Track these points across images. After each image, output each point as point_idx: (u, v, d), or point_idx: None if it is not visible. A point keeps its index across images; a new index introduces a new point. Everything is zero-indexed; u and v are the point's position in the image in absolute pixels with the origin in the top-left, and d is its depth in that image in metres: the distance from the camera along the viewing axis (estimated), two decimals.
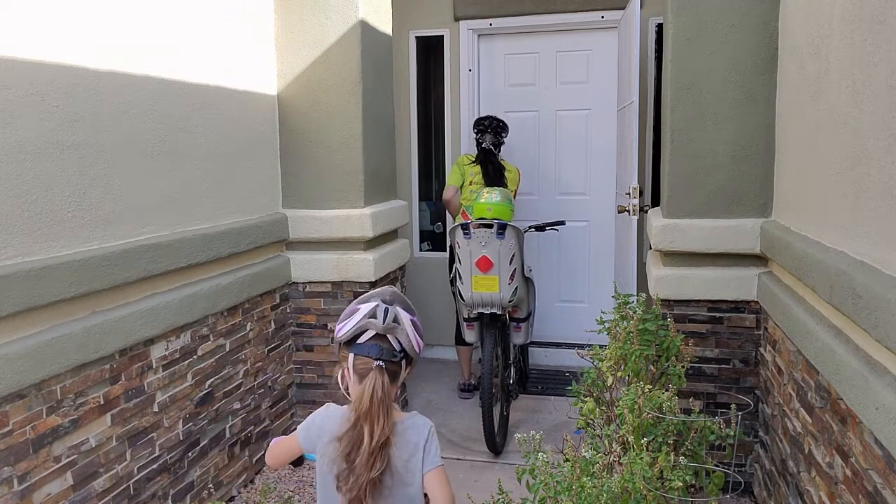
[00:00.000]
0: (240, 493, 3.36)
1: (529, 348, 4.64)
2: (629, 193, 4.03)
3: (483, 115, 4.74)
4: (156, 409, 2.76)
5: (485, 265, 3.64)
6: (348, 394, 1.74)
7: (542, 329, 5.14)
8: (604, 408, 2.55)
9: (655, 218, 3.40)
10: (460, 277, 3.75)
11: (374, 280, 3.76)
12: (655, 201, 4.42)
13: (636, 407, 2.10)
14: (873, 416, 1.70)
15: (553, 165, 5.23)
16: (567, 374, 3.17)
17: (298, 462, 1.96)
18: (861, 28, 1.93)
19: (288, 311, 3.82)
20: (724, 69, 3.12)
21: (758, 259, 3.16)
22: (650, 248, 3.57)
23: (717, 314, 3.22)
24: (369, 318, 1.68)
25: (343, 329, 1.70)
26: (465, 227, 3.68)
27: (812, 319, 2.30)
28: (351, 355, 1.69)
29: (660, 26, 4.62)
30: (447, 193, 4.50)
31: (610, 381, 2.48)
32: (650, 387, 2.28)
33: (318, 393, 3.88)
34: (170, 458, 2.84)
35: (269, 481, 3.39)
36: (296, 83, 3.77)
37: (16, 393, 2.10)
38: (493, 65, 5.25)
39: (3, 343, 2.08)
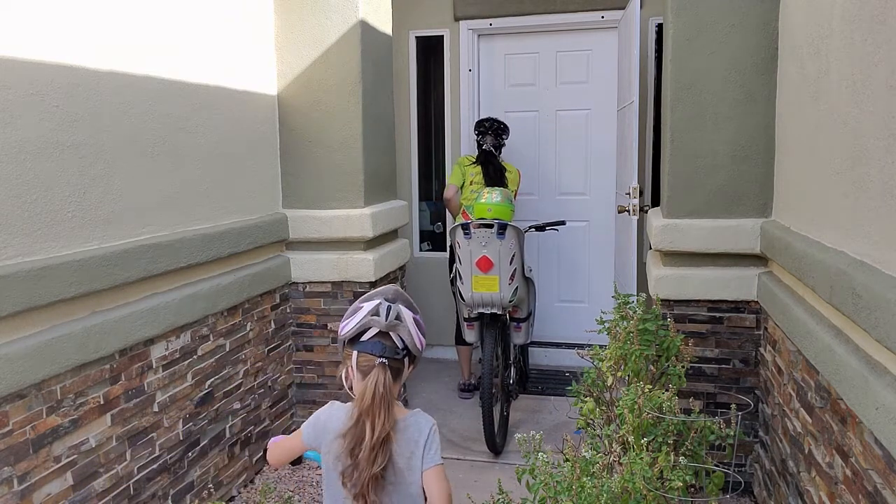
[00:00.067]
0: (240, 493, 3.36)
1: (529, 348, 4.64)
2: (629, 193, 4.03)
3: (484, 116, 4.74)
4: (156, 409, 2.76)
5: (485, 265, 3.64)
6: (352, 392, 1.76)
7: (542, 329, 5.14)
8: (604, 408, 2.55)
9: (655, 218, 3.40)
10: (460, 277, 3.75)
11: (374, 280, 3.76)
12: (655, 201, 4.42)
13: (636, 407, 2.10)
14: (873, 416, 1.70)
15: (553, 165, 5.23)
16: (567, 374, 3.17)
17: (297, 461, 1.96)
18: (861, 28, 1.93)
19: (288, 311, 3.82)
20: (724, 69, 3.12)
21: (758, 259, 3.16)
22: (650, 248, 3.57)
23: (717, 314, 3.22)
24: (372, 315, 1.70)
25: (346, 327, 1.73)
26: (465, 227, 3.68)
27: (812, 319, 2.30)
28: (354, 353, 1.72)
29: (660, 26, 4.62)
30: (448, 192, 4.51)
31: (610, 381, 2.48)
32: (650, 387, 2.28)
33: (318, 393, 3.88)
34: (170, 458, 2.84)
35: (269, 481, 3.39)
36: (296, 83, 3.77)
37: (16, 393, 2.10)
38: (493, 65, 5.25)
39: (3, 343, 2.08)
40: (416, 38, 5.20)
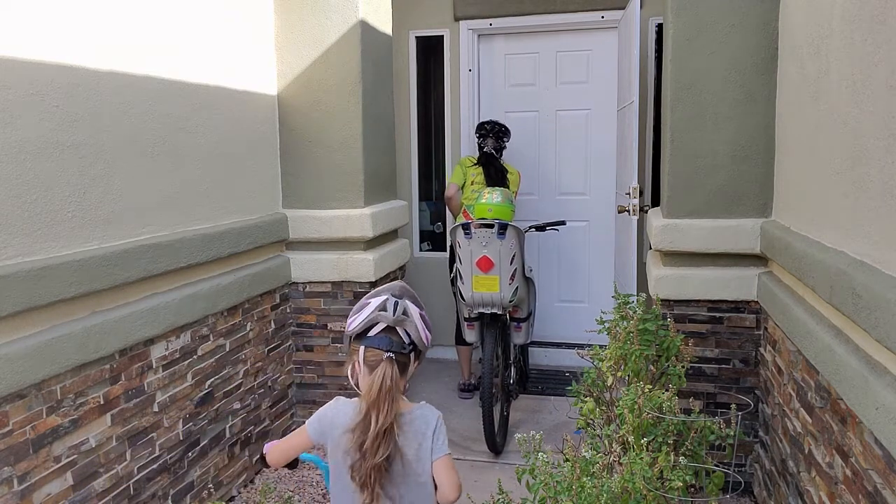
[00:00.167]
0: (240, 493, 3.36)
1: (529, 348, 4.64)
2: (629, 193, 4.03)
3: (485, 119, 4.74)
4: (156, 409, 2.76)
5: (485, 265, 3.64)
6: (358, 387, 1.80)
7: (542, 329, 5.14)
8: (604, 408, 2.55)
9: (655, 218, 3.40)
10: (461, 277, 3.75)
11: (374, 280, 3.76)
12: (655, 201, 4.42)
13: (636, 407, 2.10)
14: (873, 416, 1.70)
15: (553, 165, 5.23)
16: (567, 374, 3.17)
17: (293, 464, 1.97)
18: (861, 28, 1.93)
19: (288, 311, 3.82)
20: (724, 69, 3.12)
21: (758, 259, 3.16)
22: (650, 248, 3.57)
23: (717, 314, 3.22)
24: (380, 311, 1.75)
25: (354, 322, 1.77)
26: (465, 227, 3.68)
27: (812, 319, 2.30)
28: (361, 348, 1.76)
29: (660, 26, 4.62)
30: (449, 191, 4.52)
31: (610, 381, 2.48)
32: (650, 387, 2.28)
33: (318, 393, 3.88)
34: (170, 458, 2.84)
35: (269, 481, 3.39)
36: (296, 83, 3.77)
37: (16, 393, 2.10)
38: (493, 65, 5.25)
39: (3, 343, 2.08)
40: (416, 38, 5.20)
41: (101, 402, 2.47)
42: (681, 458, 2.03)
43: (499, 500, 2.05)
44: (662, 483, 1.90)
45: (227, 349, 3.25)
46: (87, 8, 2.44)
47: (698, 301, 3.22)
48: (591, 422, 2.50)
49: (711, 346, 3.23)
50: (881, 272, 1.76)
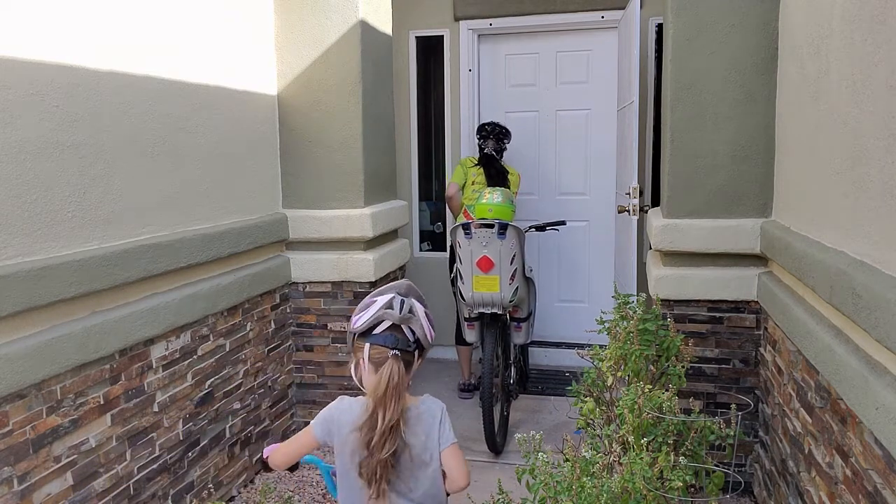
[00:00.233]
0: (240, 493, 3.36)
1: (529, 348, 4.64)
2: (629, 193, 4.03)
3: (486, 120, 4.74)
4: (156, 409, 2.76)
5: (486, 265, 3.64)
6: (361, 384, 1.82)
7: (543, 329, 5.14)
8: (604, 408, 2.55)
9: (655, 218, 3.40)
10: (461, 277, 3.75)
11: (373, 280, 3.76)
12: (655, 201, 4.42)
13: (636, 407, 2.09)
14: (873, 416, 1.70)
15: (553, 165, 5.23)
16: (567, 374, 3.17)
17: (294, 467, 1.97)
18: (861, 28, 1.93)
19: (288, 311, 3.82)
20: (724, 69, 3.12)
21: (758, 259, 3.16)
22: (650, 248, 3.57)
23: (717, 314, 3.22)
24: (386, 309, 1.77)
25: (360, 320, 1.78)
26: (466, 227, 3.68)
27: (812, 319, 2.30)
28: (367, 345, 1.77)
29: (660, 26, 4.62)
30: (450, 190, 4.52)
31: (610, 381, 2.48)
32: (650, 387, 2.28)
33: (318, 393, 3.88)
34: (170, 458, 2.84)
35: (269, 481, 3.39)
36: (296, 83, 3.77)
37: (16, 393, 2.10)
38: (494, 65, 5.25)
39: (3, 343, 2.08)
40: (416, 38, 5.20)
41: (101, 402, 2.47)
42: (681, 458, 2.02)
43: (499, 500, 2.05)
44: (662, 483, 1.90)
45: (227, 349, 3.25)
46: (87, 8, 2.44)
47: (698, 301, 3.22)
48: (591, 422, 2.50)
49: (711, 346, 3.23)
50: (881, 272, 1.76)
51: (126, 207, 2.64)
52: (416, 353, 1.82)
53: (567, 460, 1.94)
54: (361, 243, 3.81)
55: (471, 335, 3.93)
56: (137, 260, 2.61)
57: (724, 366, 3.22)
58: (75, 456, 2.35)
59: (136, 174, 2.70)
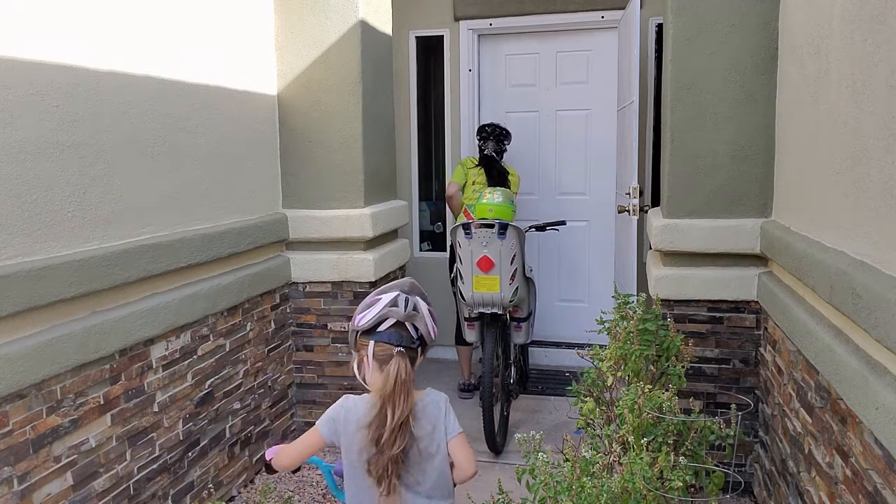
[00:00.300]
0: (240, 493, 3.36)
1: (529, 348, 4.64)
2: (629, 193, 4.03)
3: (486, 122, 4.75)
4: (156, 409, 2.76)
5: (486, 265, 3.64)
6: (365, 383, 1.85)
7: (543, 329, 5.14)
8: (604, 408, 2.55)
9: (655, 218, 3.40)
10: (461, 277, 3.75)
11: (374, 280, 3.76)
12: (655, 201, 4.42)
13: (636, 407, 2.09)
14: (873, 416, 1.70)
15: (553, 165, 5.23)
16: (567, 374, 3.17)
17: (296, 468, 1.97)
18: (861, 28, 1.93)
19: (288, 311, 3.82)
20: (724, 69, 3.12)
21: (758, 259, 3.16)
22: (650, 248, 3.57)
23: (717, 314, 3.22)
24: (391, 306, 1.79)
25: (365, 318, 1.80)
26: (466, 226, 3.68)
27: (812, 319, 2.30)
28: (371, 343, 1.80)
29: (660, 26, 4.62)
30: (450, 190, 4.53)
31: (610, 381, 2.48)
32: (650, 387, 2.28)
33: (318, 393, 3.88)
34: (170, 458, 2.84)
35: (269, 481, 3.39)
36: (296, 83, 3.77)
37: (16, 393, 2.10)
38: (494, 65, 5.25)
39: (3, 343, 2.08)
40: (416, 38, 5.20)
41: (101, 402, 2.47)
42: (681, 458, 2.02)
43: (499, 500, 2.05)
44: (662, 483, 1.90)
45: (227, 349, 3.25)
46: (87, 8, 2.44)
47: (698, 301, 3.22)
48: (591, 422, 2.50)
49: (711, 346, 3.23)
50: (881, 272, 1.76)
51: (126, 207, 2.64)
52: (419, 349, 1.85)
53: (567, 460, 1.94)
54: (361, 243, 3.81)
55: (471, 335, 3.93)
56: (137, 260, 2.61)
57: (724, 366, 3.22)
58: (75, 456, 2.35)
59: (136, 174, 2.70)
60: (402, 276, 4.37)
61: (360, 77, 3.70)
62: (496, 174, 4.46)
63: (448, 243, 4.81)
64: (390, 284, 1.88)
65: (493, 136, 4.52)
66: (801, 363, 2.42)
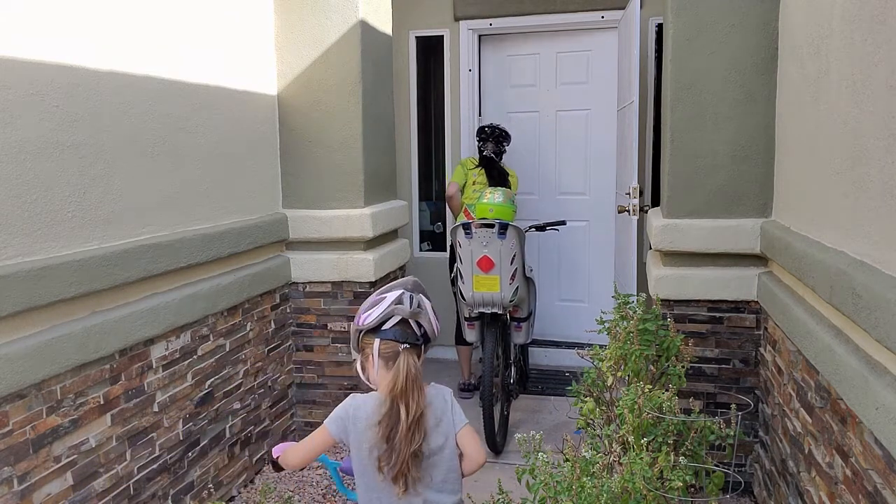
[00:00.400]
0: (240, 493, 3.36)
1: (529, 348, 4.64)
2: (629, 193, 4.03)
3: (485, 123, 4.75)
4: (156, 409, 2.76)
5: (486, 265, 3.64)
6: (369, 381, 1.87)
7: (543, 329, 5.14)
8: (604, 408, 2.55)
9: (655, 218, 3.40)
10: (461, 277, 3.75)
11: (373, 280, 3.76)
12: (655, 201, 4.42)
13: (636, 407, 2.09)
14: (873, 416, 1.70)
15: (553, 165, 5.23)
16: (567, 374, 3.17)
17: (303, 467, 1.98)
18: (861, 28, 1.93)
19: (288, 311, 3.82)
20: (724, 69, 3.12)
21: (758, 259, 3.16)
22: (650, 248, 3.57)
23: (717, 314, 3.22)
24: (396, 304, 1.82)
25: (370, 316, 1.82)
26: (466, 226, 3.69)
27: (812, 319, 2.30)
28: (377, 341, 1.82)
29: (660, 26, 4.62)
30: (450, 190, 4.53)
31: (610, 381, 2.48)
32: (650, 387, 2.28)
33: (318, 393, 3.88)
34: (170, 458, 2.84)
35: (269, 481, 3.39)
36: (296, 83, 3.77)
37: (16, 393, 2.10)
38: (494, 65, 5.25)
39: (3, 343, 2.08)
40: (416, 38, 5.20)
41: (101, 402, 2.47)
42: (681, 458, 2.02)
43: (499, 500, 2.05)
44: (662, 483, 1.90)
45: (227, 349, 3.25)
46: (87, 8, 2.44)
47: (698, 301, 3.22)
48: (591, 422, 2.50)
49: (711, 346, 3.23)
50: (881, 272, 1.76)
51: (126, 207, 2.64)
52: (423, 346, 1.88)
53: (567, 460, 1.94)
54: (361, 243, 3.81)
55: (471, 335, 3.93)
56: (137, 260, 2.61)
57: (724, 366, 3.22)
58: (75, 456, 2.35)
59: (136, 174, 2.70)
60: (402, 276, 4.37)
61: (360, 77, 3.70)
62: (496, 174, 4.47)
63: (448, 243, 4.81)
64: (394, 283, 1.90)
65: (493, 138, 4.52)
66: (801, 363, 2.42)
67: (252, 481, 3.48)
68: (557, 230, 4.46)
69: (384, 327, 1.82)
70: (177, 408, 2.89)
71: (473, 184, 4.47)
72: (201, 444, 3.06)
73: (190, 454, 2.98)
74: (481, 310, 3.75)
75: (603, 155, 5.07)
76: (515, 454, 3.68)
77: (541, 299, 4.77)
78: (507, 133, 4.58)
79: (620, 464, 1.90)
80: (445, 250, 5.15)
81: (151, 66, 2.77)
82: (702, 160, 3.18)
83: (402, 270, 4.33)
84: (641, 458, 1.86)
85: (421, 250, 5.41)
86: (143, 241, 2.68)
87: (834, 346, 2.03)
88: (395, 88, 4.71)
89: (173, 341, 2.85)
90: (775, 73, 3.05)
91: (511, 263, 3.64)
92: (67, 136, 2.36)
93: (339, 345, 3.82)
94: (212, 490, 3.12)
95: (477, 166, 4.52)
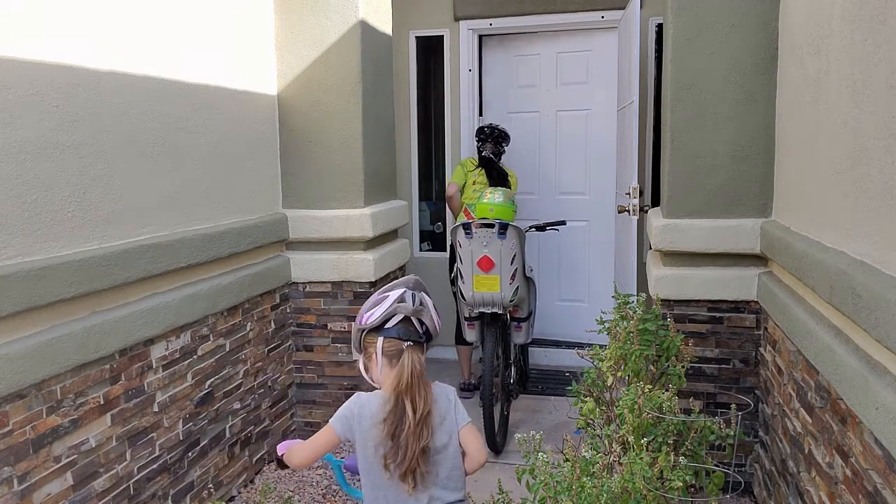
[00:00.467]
0: (240, 493, 3.36)
1: (529, 348, 4.64)
2: (629, 193, 4.03)
3: (485, 123, 4.75)
4: (156, 409, 2.76)
5: (486, 265, 3.64)
6: (373, 381, 1.89)
7: (543, 328, 5.14)
8: (604, 408, 2.55)
9: (655, 218, 3.40)
10: (462, 277, 3.76)
11: (373, 280, 3.76)
12: (655, 201, 4.42)
13: (636, 407, 2.09)
14: (873, 416, 1.70)
15: (553, 165, 5.23)
16: (567, 374, 3.17)
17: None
18: (861, 28, 1.93)
19: (288, 311, 3.82)
20: (724, 69, 3.12)
21: (758, 259, 3.16)
22: (650, 248, 3.57)
23: (717, 314, 3.22)
24: (399, 302, 1.83)
25: (373, 315, 1.84)
26: (466, 226, 3.69)
27: (812, 319, 2.30)
28: (380, 339, 1.84)
29: (660, 26, 4.62)
30: (449, 190, 4.54)
31: (610, 381, 2.48)
32: (650, 387, 2.28)
33: (318, 393, 3.88)
34: (170, 458, 2.84)
35: (269, 481, 3.39)
36: (296, 83, 3.77)
37: (16, 393, 2.10)
38: (494, 65, 5.25)
39: (3, 343, 2.08)
40: (416, 38, 5.20)
41: (101, 402, 2.47)
42: (681, 458, 2.03)
43: (499, 500, 2.05)
44: (662, 483, 1.90)
45: (227, 349, 3.25)
46: (87, 8, 2.44)
47: (698, 301, 3.22)
48: (591, 422, 2.50)
49: (711, 346, 3.23)
50: (881, 272, 1.76)
51: (126, 207, 2.64)
52: (425, 344, 1.89)
53: (567, 460, 1.95)
54: (361, 243, 3.81)
55: (471, 335, 3.93)
56: (137, 260, 2.61)
57: (724, 366, 3.22)
58: (75, 456, 2.35)
59: (136, 174, 2.70)
60: (402, 276, 4.37)
61: (360, 77, 3.70)
62: (496, 175, 4.47)
63: (448, 243, 4.81)
64: (395, 282, 1.91)
65: (492, 138, 4.53)
66: (801, 363, 2.42)
67: (252, 481, 3.48)
68: (557, 230, 4.46)
69: (387, 326, 1.83)
70: (177, 408, 2.89)
71: (473, 184, 4.48)
72: (201, 444, 3.06)
73: (190, 454, 2.98)
74: (481, 310, 3.75)
75: (603, 155, 5.07)
76: (515, 454, 3.68)
77: (541, 299, 4.77)
78: (506, 133, 4.58)
79: (620, 464, 1.90)
80: (445, 250, 5.15)
81: (151, 66, 2.77)
82: (702, 160, 3.18)
83: (402, 270, 4.33)
84: (641, 458, 1.86)
85: (421, 250, 5.41)
86: (143, 241, 2.68)
87: (834, 346, 2.03)
88: (395, 88, 4.71)
89: (173, 341, 2.85)
90: (775, 73, 3.05)
91: (511, 263, 3.64)
92: (67, 136, 2.36)
93: (339, 345, 3.82)
94: (212, 490, 3.12)
95: (477, 167, 4.52)
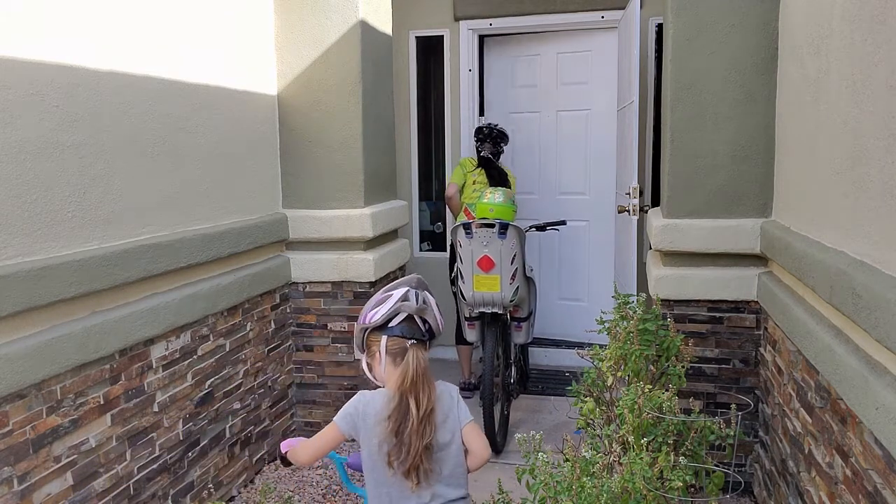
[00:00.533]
0: (240, 493, 3.36)
1: (530, 348, 4.64)
2: (629, 193, 4.03)
3: (484, 123, 4.75)
4: (156, 409, 2.76)
5: (486, 265, 3.64)
6: (376, 379, 1.90)
7: (543, 328, 5.14)
8: (604, 408, 2.55)
9: (655, 218, 3.40)
10: (462, 277, 3.76)
11: (374, 280, 3.76)
12: (655, 201, 4.42)
13: (636, 407, 2.10)
14: (873, 416, 1.70)
15: (554, 165, 5.23)
16: (567, 374, 3.17)
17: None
18: (861, 28, 1.93)
19: (288, 311, 3.82)
20: (724, 69, 3.12)
21: (758, 259, 3.16)
22: (650, 248, 3.57)
23: (717, 314, 3.22)
24: (402, 301, 1.84)
25: (376, 314, 1.85)
26: (466, 226, 3.69)
27: (812, 319, 2.30)
28: (384, 338, 1.84)
29: (660, 26, 4.62)
30: (449, 190, 4.54)
31: (610, 381, 2.48)
32: (650, 387, 2.28)
33: (318, 393, 3.88)
34: (170, 458, 2.84)
35: (269, 481, 3.39)
36: (296, 83, 3.77)
37: (16, 393, 2.10)
38: (494, 65, 5.25)
39: (3, 343, 2.08)
40: (416, 38, 5.20)
41: (101, 402, 2.47)
42: (681, 458, 2.03)
43: (499, 499, 2.05)
44: (662, 483, 1.90)
45: (227, 349, 3.25)
46: (87, 8, 2.44)
47: (698, 301, 3.22)
48: (591, 422, 2.50)
49: (711, 346, 3.23)
50: (881, 272, 1.76)
51: (126, 207, 2.64)
52: (428, 342, 1.90)
53: (567, 460, 1.95)
54: (361, 243, 3.81)
55: (471, 335, 3.93)
56: (137, 260, 2.61)
57: (724, 366, 3.22)
58: (75, 456, 2.35)
59: (136, 174, 2.70)
60: (402, 276, 4.37)
61: (360, 77, 3.70)
62: (496, 174, 4.47)
63: (448, 243, 4.81)
64: (398, 281, 1.92)
65: (491, 138, 4.53)
66: (801, 363, 2.42)
67: (252, 481, 3.48)
68: (557, 230, 4.46)
69: (391, 324, 1.84)
70: (177, 408, 2.89)
71: (473, 184, 4.48)
72: (201, 444, 3.06)
73: (190, 454, 2.98)
74: (482, 309, 3.75)
75: (603, 155, 5.07)
76: (515, 454, 3.68)
77: (541, 299, 4.77)
78: (504, 133, 4.58)
79: (620, 464, 1.90)
80: (445, 250, 5.15)
81: (151, 66, 2.77)
82: (702, 160, 3.18)
83: (402, 270, 4.33)
84: (641, 458, 1.86)
85: (421, 250, 5.41)
86: (143, 241, 2.68)
87: (834, 346, 2.03)
88: (395, 88, 4.71)
89: (173, 341, 2.85)
90: (775, 73, 3.05)
91: (511, 263, 3.64)
92: (67, 136, 2.36)
93: (340, 345, 3.82)
94: (212, 490, 3.12)
95: (476, 167, 4.53)
